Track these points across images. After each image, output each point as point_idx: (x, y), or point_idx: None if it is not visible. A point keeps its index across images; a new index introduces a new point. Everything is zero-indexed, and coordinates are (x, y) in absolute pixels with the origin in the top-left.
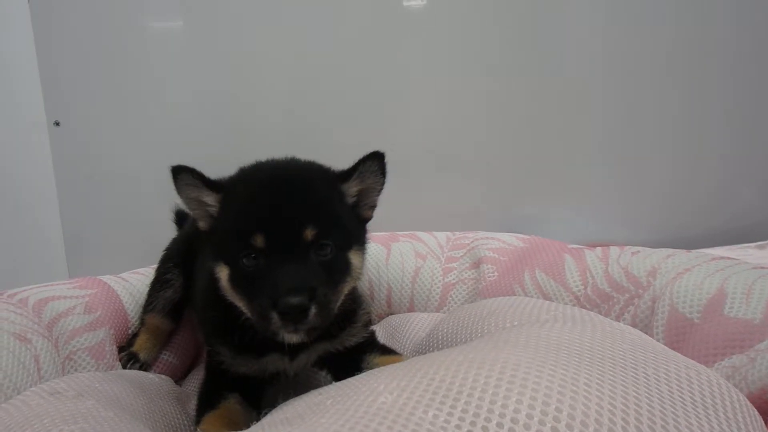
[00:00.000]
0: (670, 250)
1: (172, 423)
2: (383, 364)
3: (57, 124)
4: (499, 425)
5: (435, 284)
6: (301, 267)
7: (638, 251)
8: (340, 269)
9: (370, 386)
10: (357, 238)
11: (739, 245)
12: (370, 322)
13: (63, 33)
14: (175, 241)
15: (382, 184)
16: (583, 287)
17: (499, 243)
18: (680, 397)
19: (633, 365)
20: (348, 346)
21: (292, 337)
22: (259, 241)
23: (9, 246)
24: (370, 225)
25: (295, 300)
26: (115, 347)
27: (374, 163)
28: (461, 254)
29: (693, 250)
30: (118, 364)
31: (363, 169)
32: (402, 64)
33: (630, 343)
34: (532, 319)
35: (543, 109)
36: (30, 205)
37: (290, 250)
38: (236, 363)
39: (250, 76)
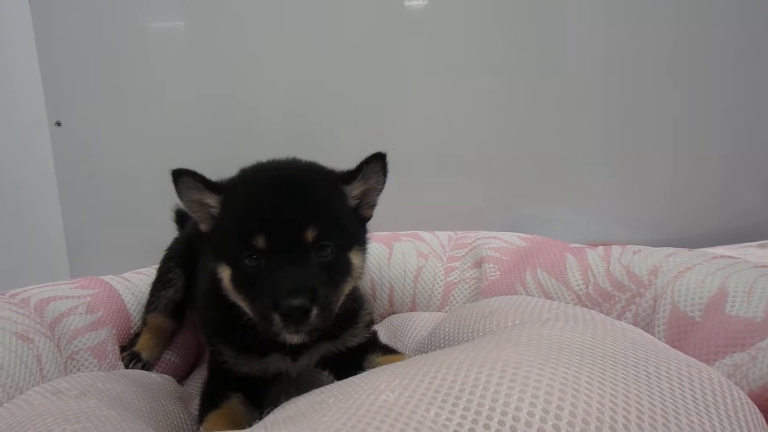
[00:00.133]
0: (672, 249)
1: (175, 422)
2: (385, 364)
3: (58, 124)
4: (501, 423)
5: (437, 283)
6: (303, 268)
7: (640, 250)
8: (340, 270)
9: (372, 385)
10: (357, 238)
11: (741, 244)
12: (372, 322)
13: (64, 33)
14: (176, 241)
15: (383, 183)
16: (584, 286)
17: (500, 242)
18: (681, 395)
19: (634, 363)
20: (350, 346)
21: (293, 338)
22: (260, 242)
23: (11, 246)
24: (371, 225)
25: (296, 302)
26: (117, 347)
27: (377, 164)
28: (463, 254)
29: (694, 249)
30: (121, 363)
31: (366, 171)
32: (403, 64)
33: (631, 341)
34: (533, 318)
35: (544, 109)
36: (32, 205)
37: (291, 251)
38: (239, 363)
39: (251, 77)
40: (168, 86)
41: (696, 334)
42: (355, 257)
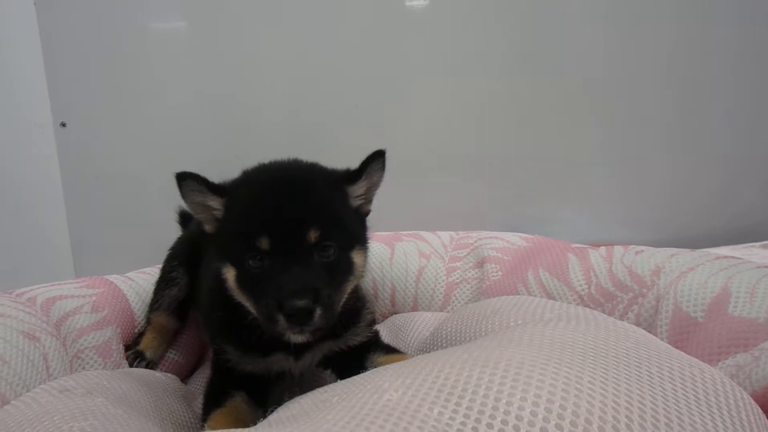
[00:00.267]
0: (674, 250)
1: (179, 421)
2: (387, 363)
3: (63, 125)
4: (504, 423)
5: (439, 283)
6: (306, 269)
7: (642, 250)
8: (342, 269)
9: (376, 384)
10: (359, 238)
11: (744, 244)
12: (374, 322)
13: (69, 34)
14: (180, 241)
15: (382, 179)
16: (587, 286)
17: (502, 242)
18: (684, 395)
19: (636, 364)
20: (352, 345)
21: (297, 338)
22: (264, 243)
23: (16, 246)
24: (373, 225)
25: (300, 303)
26: (121, 346)
27: (378, 161)
28: (465, 254)
29: (697, 250)
30: (125, 362)
31: (370, 170)
32: (404, 64)
33: (633, 341)
34: (535, 318)
35: (545, 109)
36: (36, 206)
37: (294, 252)
38: (243, 361)
39: (253, 77)
40: (172, 87)
41: (699, 334)
42: (356, 256)
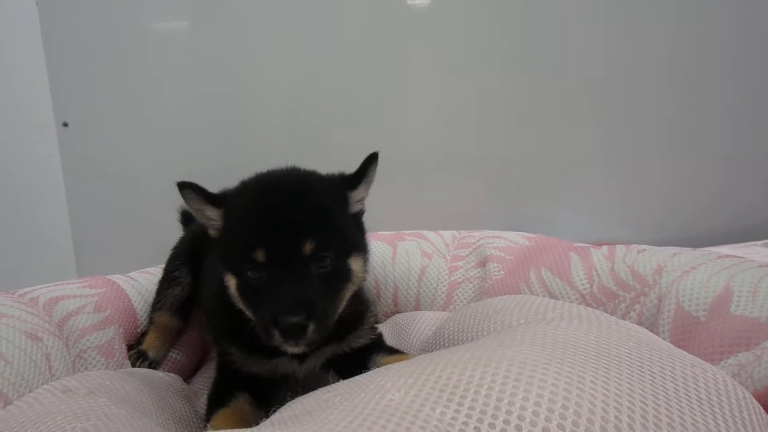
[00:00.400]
0: (676, 249)
1: (182, 420)
2: (390, 363)
3: (65, 125)
4: (506, 422)
5: (441, 283)
6: (301, 282)
7: (644, 249)
8: (340, 278)
9: (378, 384)
10: (357, 244)
11: (745, 243)
12: (377, 322)
13: (71, 34)
14: (183, 240)
15: (373, 179)
16: (589, 286)
17: (504, 242)
18: (686, 394)
19: (639, 363)
20: (355, 347)
21: (293, 349)
22: (260, 255)
23: (18, 246)
24: (376, 224)
25: (294, 319)
26: (124, 346)
27: (374, 164)
28: (467, 253)
29: (699, 249)
30: (128, 362)
31: (369, 172)
32: (405, 64)
33: (636, 341)
34: (538, 318)
35: (546, 109)
36: (39, 206)
37: (290, 264)
38: (248, 363)
39: (254, 77)
40: (174, 87)
41: (701, 333)
42: (355, 263)
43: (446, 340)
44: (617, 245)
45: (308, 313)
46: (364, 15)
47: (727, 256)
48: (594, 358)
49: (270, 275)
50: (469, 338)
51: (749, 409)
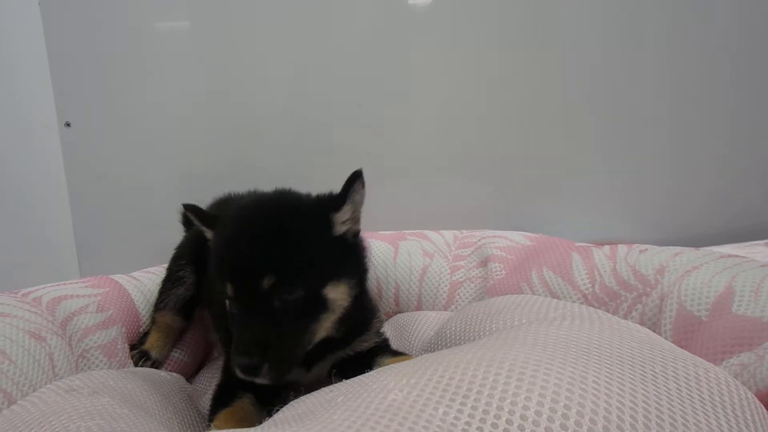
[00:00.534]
0: (678, 248)
1: (185, 420)
2: (393, 364)
3: (68, 125)
4: (508, 422)
5: (443, 282)
6: (261, 320)
7: (646, 249)
8: (312, 310)
9: (381, 383)
10: (338, 270)
11: (747, 243)
12: (381, 324)
13: (74, 34)
14: (186, 239)
15: (363, 196)
16: (590, 285)
17: (506, 241)
18: (688, 395)
19: (641, 363)
20: (358, 350)
21: (259, 381)
22: (229, 290)
23: (21, 246)
24: (378, 224)
25: (244, 361)
26: (126, 345)
27: (358, 182)
28: (469, 252)
29: (701, 248)
30: (130, 362)
31: (352, 193)
32: (408, 62)
33: (638, 341)
34: (540, 317)
35: (548, 108)
36: (41, 206)
37: (252, 301)
38: None
39: (258, 77)
40: (177, 87)
41: (703, 333)
42: (333, 291)
43: (448, 340)
44: (619, 245)
45: (260, 355)
46: (367, 14)
47: (729, 255)
48: (596, 358)
49: (238, 310)
50: (471, 338)
51: (752, 409)
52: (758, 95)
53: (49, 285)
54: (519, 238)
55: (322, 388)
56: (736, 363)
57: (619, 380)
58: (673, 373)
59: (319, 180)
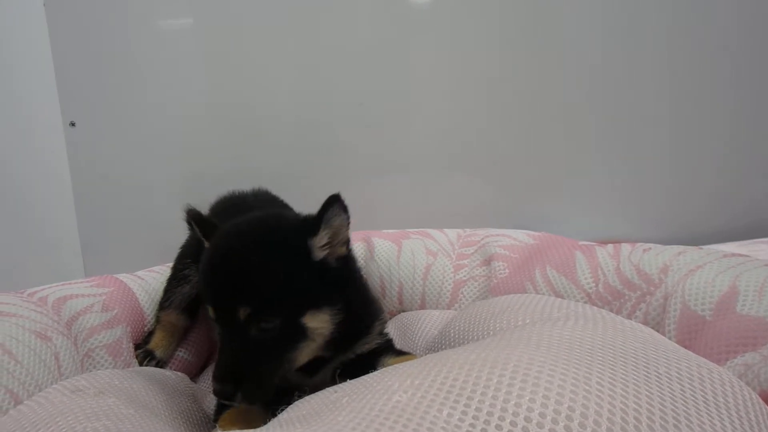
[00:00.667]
0: (682, 247)
1: (190, 419)
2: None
3: (72, 124)
4: (513, 424)
5: (446, 281)
6: (236, 348)
7: (650, 248)
8: (290, 339)
9: (385, 384)
10: (318, 299)
11: (751, 240)
12: (384, 325)
13: (79, 34)
14: (192, 238)
15: (348, 221)
16: (594, 285)
17: (509, 240)
18: (692, 395)
19: (644, 363)
20: (360, 353)
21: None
22: (210, 312)
23: (26, 246)
24: (382, 222)
25: (218, 387)
26: (131, 345)
27: (335, 207)
28: (472, 251)
29: (704, 247)
30: (135, 361)
31: (327, 217)
32: (409, 61)
33: (641, 341)
34: (543, 317)
35: (550, 107)
36: (46, 205)
37: (230, 328)
38: None
39: (261, 76)
40: (182, 86)
41: (707, 333)
42: (312, 321)
43: (452, 340)
44: (622, 244)
45: (234, 383)
46: (368, 14)
47: (733, 254)
48: (600, 358)
49: (220, 332)
50: (475, 338)
51: (756, 409)
52: (758, 95)
53: (54, 285)
54: (522, 236)
55: (327, 389)
56: (740, 363)
57: (623, 381)
58: (677, 374)
59: (321, 180)
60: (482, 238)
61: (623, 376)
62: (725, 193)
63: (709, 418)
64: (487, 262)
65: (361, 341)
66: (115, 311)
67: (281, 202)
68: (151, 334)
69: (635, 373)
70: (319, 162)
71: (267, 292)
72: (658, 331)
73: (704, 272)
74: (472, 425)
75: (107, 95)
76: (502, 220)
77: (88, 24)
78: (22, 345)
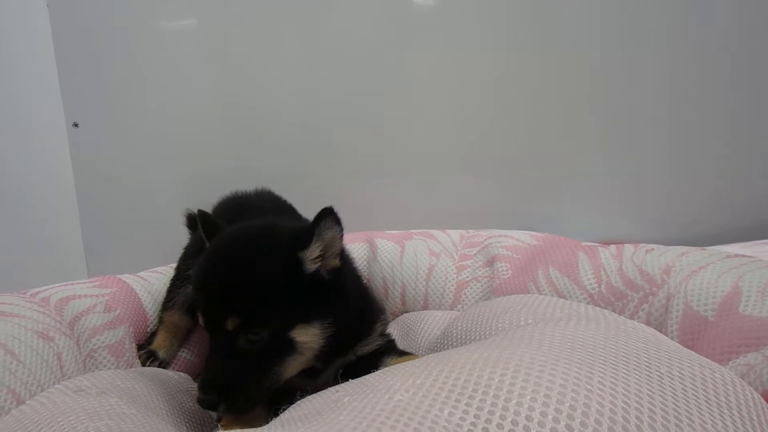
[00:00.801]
0: (684, 248)
1: (193, 420)
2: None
3: (75, 125)
4: (514, 423)
5: (449, 282)
6: (223, 357)
7: (652, 249)
8: (278, 352)
9: (387, 384)
10: (307, 312)
11: (754, 242)
12: (386, 326)
13: (82, 34)
14: (195, 238)
15: (341, 232)
16: (597, 285)
17: (512, 241)
18: (694, 395)
19: (647, 363)
20: (361, 354)
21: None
22: (200, 320)
23: (29, 246)
24: (385, 223)
25: (201, 396)
26: (134, 345)
27: (328, 220)
28: (475, 252)
29: (707, 248)
30: (138, 362)
31: (319, 231)
32: (413, 62)
33: (644, 341)
34: (546, 317)
35: (553, 109)
36: (49, 206)
37: (218, 337)
38: None
39: (264, 77)
40: (185, 87)
41: (709, 333)
42: (301, 334)
43: (454, 340)
44: (625, 244)
45: (217, 395)
46: (372, 15)
47: (736, 255)
48: (602, 358)
49: (210, 339)
50: (477, 338)
51: (758, 409)
52: (759, 95)
53: (57, 285)
54: (525, 237)
55: (329, 388)
56: (743, 363)
57: (625, 381)
58: (679, 374)
59: (324, 180)
60: (485, 239)
61: (625, 376)
62: (726, 194)
63: (711, 417)
64: (490, 262)
65: (361, 343)
66: (118, 312)
67: (284, 202)
68: (153, 334)
69: (637, 372)
70: (321, 162)
71: (256, 303)
72: (660, 331)
73: (707, 273)
74: (473, 425)
75: (110, 96)
76: (504, 221)
77: (91, 25)
78: (24, 345)
